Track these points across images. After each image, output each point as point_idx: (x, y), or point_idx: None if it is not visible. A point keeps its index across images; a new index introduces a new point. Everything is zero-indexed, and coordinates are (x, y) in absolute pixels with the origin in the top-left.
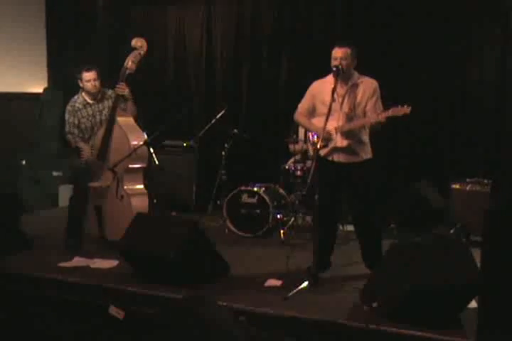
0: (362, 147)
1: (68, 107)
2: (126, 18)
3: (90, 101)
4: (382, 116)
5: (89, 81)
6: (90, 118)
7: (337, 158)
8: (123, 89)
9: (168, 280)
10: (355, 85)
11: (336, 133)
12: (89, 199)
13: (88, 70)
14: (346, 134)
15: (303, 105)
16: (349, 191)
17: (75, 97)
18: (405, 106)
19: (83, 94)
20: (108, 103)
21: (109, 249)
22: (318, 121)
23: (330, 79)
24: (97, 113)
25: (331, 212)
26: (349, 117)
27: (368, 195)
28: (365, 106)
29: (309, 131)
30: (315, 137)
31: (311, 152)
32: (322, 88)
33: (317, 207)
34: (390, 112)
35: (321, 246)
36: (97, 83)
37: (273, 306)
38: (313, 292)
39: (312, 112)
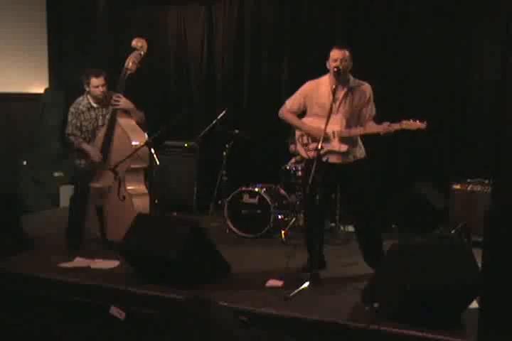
0: (355, 148)
1: (72, 109)
2: (127, 18)
3: (95, 105)
4: (393, 128)
5: (97, 87)
6: (93, 122)
7: (331, 159)
8: (117, 102)
9: (169, 280)
10: (352, 89)
11: (334, 137)
12: (89, 200)
13: (98, 76)
14: (344, 139)
15: (293, 103)
16: (346, 191)
17: (80, 99)
18: (418, 121)
19: (88, 97)
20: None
21: (110, 249)
22: (312, 122)
23: (325, 80)
24: (100, 117)
25: (322, 212)
26: (347, 121)
27: (365, 195)
28: (361, 110)
29: (299, 129)
30: (305, 137)
31: (302, 153)
32: (317, 89)
33: (318, 207)
34: (403, 125)
35: (319, 245)
36: (105, 88)
37: (274, 306)
38: (314, 292)
39: (301, 111)
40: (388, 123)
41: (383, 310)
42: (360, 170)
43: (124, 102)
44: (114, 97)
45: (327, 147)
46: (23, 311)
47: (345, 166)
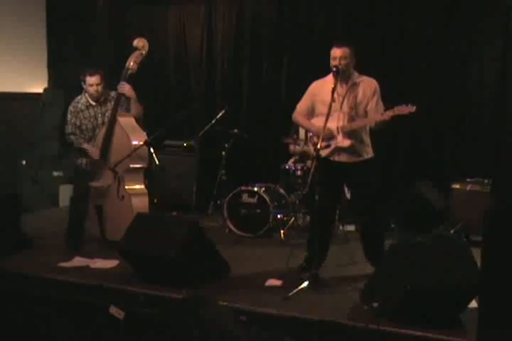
0: (363, 147)
1: (70, 108)
2: (127, 18)
3: (93, 103)
4: (387, 115)
5: (92, 85)
6: (92, 120)
7: (339, 158)
8: (123, 87)
9: (168, 280)
10: (355, 85)
11: (338, 133)
12: (89, 199)
13: (92, 75)
14: (348, 134)
15: (302, 105)
16: (351, 190)
17: (78, 98)
18: (409, 105)
19: (86, 95)
20: (111, 105)
21: (109, 248)
22: (317, 121)
23: (330, 78)
24: (99, 115)
25: (331, 212)
26: (350, 117)
27: (370, 194)
28: (366, 106)
29: (309, 131)
30: (315, 137)
31: (313, 152)
32: (322, 88)
33: (317, 206)
34: (395, 111)
35: (320, 245)
36: (100, 87)
37: (273, 306)
38: (314, 292)
39: (311, 112)
40: (382, 111)
41: (383, 310)
42: (368, 170)
43: (128, 89)
44: (120, 84)
45: (333, 145)
46: (23, 311)
47: (354, 165)
